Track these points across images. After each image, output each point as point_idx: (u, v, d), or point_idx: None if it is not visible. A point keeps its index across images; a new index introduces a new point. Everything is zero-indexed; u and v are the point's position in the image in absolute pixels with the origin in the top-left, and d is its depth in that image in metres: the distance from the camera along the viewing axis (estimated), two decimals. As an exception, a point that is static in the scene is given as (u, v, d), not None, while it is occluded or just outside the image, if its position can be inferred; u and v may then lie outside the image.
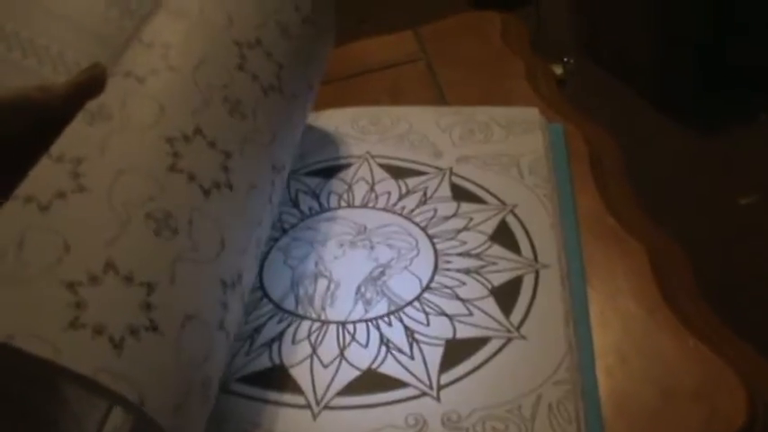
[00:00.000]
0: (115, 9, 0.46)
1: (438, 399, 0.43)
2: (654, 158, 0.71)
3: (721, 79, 0.67)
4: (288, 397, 0.44)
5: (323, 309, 0.49)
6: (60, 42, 0.44)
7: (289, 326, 0.48)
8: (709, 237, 0.54)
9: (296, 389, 0.45)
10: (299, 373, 0.46)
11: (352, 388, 0.45)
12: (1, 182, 0.34)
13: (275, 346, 0.47)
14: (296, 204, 0.57)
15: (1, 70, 0.41)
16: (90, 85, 0.38)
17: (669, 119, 0.65)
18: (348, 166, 0.60)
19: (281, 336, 0.48)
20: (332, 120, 0.64)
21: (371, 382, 0.45)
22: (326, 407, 0.44)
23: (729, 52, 0.68)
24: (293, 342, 0.47)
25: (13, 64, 0.42)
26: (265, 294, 0.51)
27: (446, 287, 0.50)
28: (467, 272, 0.50)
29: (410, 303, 0.49)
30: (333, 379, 0.45)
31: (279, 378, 0.46)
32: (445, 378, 0.44)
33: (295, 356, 0.47)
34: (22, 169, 0.35)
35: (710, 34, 0.67)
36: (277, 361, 0.46)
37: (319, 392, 0.44)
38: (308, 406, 0.44)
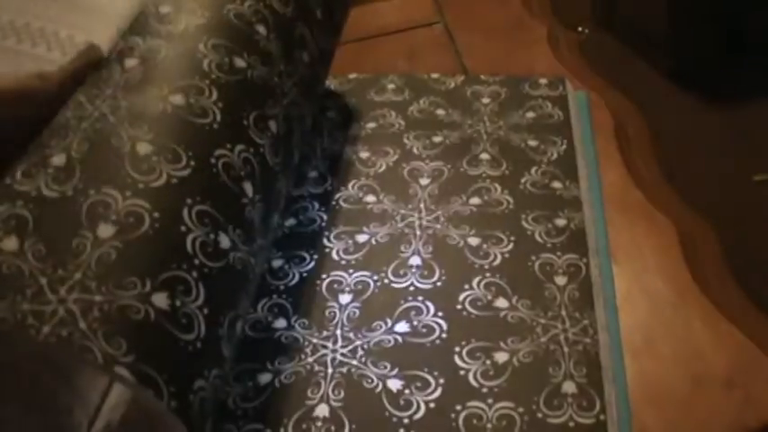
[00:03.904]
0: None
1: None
2: (665, 131, 0.68)
3: (739, 53, 0.64)
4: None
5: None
6: (69, 26, 0.43)
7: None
8: (724, 213, 0.52)
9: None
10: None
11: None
12: None
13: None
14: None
15: (14, 61, 0.41)
16: (86, 68, 0.38)
17: (683, 92, 0.63)
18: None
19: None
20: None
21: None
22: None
23: (751, 25, 0.66)
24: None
25: (24, 53, 0.41)
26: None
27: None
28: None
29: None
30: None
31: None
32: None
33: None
34: (12, 155, 0.34)
35: (731, 5, 0.64)
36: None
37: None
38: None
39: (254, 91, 0.42)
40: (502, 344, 0.43)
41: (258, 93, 0.42)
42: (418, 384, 0.41)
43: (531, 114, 0.58)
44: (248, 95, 0.41)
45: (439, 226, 0.50)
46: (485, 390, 0.41)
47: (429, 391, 0.41)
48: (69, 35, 0.43)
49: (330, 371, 0.42)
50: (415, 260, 0.48)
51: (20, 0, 0.44)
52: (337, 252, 0.49)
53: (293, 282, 0.48)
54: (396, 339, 0.44)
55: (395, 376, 0.42)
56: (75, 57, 0.38)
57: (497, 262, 0.47)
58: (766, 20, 0.65)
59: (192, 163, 0.36)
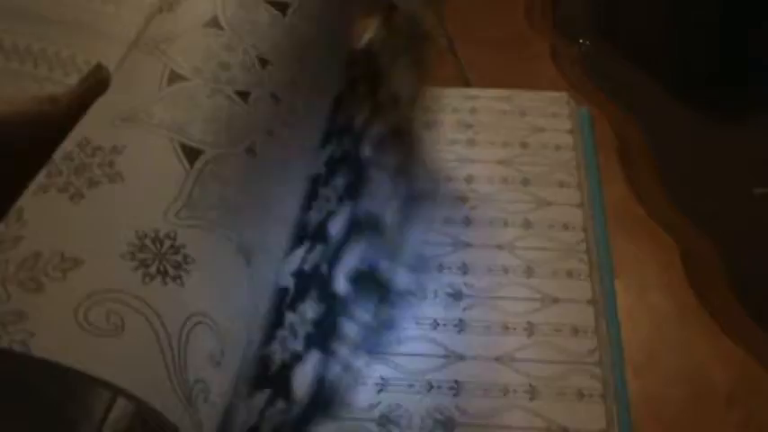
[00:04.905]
0: (111, 5, 0.45)
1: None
2: (666, 146, 0.69)
3: (740, 67, 0.65)
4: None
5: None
6: (69, 46, 0.43)
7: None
8: (725, 228, 0.52)
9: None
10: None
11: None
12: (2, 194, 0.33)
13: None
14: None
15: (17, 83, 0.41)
16: (96, 89, 0.38)
17: (684, 106, 0.63)
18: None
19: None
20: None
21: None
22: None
23: (752, 40, 0.66)
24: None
25: (27, 74, 0.42)
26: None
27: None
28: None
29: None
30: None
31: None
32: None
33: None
34: (22, 182, 0.33)
35: (732, 21, 0.65)
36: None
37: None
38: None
39: None
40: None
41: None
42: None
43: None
44: None
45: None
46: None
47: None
48: (71, 54, 0.44)
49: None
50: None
51: (22, 22, 0.44)
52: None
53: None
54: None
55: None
56: (84, 77, 0.38)
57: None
58: (767, 35, 0.66)
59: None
